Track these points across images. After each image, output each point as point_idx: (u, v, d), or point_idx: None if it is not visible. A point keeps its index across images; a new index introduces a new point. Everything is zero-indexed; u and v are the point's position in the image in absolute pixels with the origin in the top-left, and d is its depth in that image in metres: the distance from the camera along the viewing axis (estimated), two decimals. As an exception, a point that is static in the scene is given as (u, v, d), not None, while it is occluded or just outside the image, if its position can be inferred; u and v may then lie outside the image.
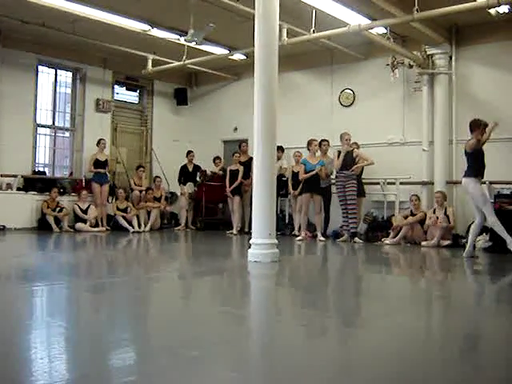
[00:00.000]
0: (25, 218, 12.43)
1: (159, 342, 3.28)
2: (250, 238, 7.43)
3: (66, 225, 12.41)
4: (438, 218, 10.17)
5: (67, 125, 14.27)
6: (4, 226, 11.98)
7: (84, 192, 12.83)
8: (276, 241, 7.38)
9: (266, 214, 7.32)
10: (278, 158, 11.52)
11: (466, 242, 8.87)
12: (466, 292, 5.84)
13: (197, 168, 14.12)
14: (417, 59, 11.31)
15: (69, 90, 14.38)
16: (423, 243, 10.22)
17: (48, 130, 13.88)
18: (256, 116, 7.43)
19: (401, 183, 11.52)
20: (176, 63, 13.17)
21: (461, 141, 11.15)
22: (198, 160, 14.24)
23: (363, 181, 11.63)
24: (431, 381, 2.68)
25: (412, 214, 10.65)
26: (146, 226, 13.16)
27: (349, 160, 10.92)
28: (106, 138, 13.80)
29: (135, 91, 15.63)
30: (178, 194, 14.29)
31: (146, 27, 11.50)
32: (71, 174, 14.00)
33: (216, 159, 14.10)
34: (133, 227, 12.88)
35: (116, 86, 15.01)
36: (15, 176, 12.50)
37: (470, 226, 10.21)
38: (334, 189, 11.72)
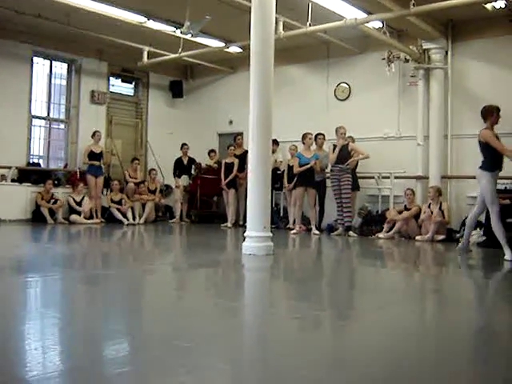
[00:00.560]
0: (19, 210, 12.41)
1: (153, 334, 3.29)
2: (245, 231, 7.44)
3: (61, 217, 12.39)
4: (432, 212, 10.19)
5: (62, 116, 14.24)
6: (-2, 218, 11.97)
7: (79, 184, 12.81)
8: (270, 234, 7.38)
9: (260, 207, 7.32)
10: (273, 152, 11.51)
11: (461, 237, 8.88)
12: (460, 286, 5.86)
13: (192, 161, 14.11)
14: (413, 54, 11.31)
15: (64, 82, 14.32)
16: (417, 237, 10.24)
17: (43, 122, 13.84)
18: (251, 109, 7.41)
19: (395, 177, 11.53)
20: (172, 55, 13.14)
21: (456, 136, 11.22)
22: (193, 153, 14.23)
23: (358, 175, 11.65)
24: (425, 374, 2.69)
25: (406, 209, 10.67)
26: (140, 218, 13.16)
27: (344, 154, 10.93)
28: (100, 129, 13.76)
29: (130, 83, 15.58)
30: (173, 186, 14.27)
31: (141, 19, 11.48)
32: (66, 165, 13.97)
33: (211, 152, 14.10)
34: (127, 219, 12.87)
35: (111, 78, 14.96)
36: (10, 167, 12.48)
37: (464, 221, 10.30)
38: (328, 183, 11.73)
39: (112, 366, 2.68)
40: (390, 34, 10.90)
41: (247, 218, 7.53)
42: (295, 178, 11.56)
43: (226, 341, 3.20)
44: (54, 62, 13.89)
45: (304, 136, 11.58)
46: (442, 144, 11.32)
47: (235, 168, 12.91)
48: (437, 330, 3.71)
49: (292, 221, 11.93)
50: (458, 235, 10.05)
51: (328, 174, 11.71)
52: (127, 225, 12.63)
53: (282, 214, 12.96)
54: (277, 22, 10.11)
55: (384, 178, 11.74)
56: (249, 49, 7.63)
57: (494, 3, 9.53)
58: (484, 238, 9.31)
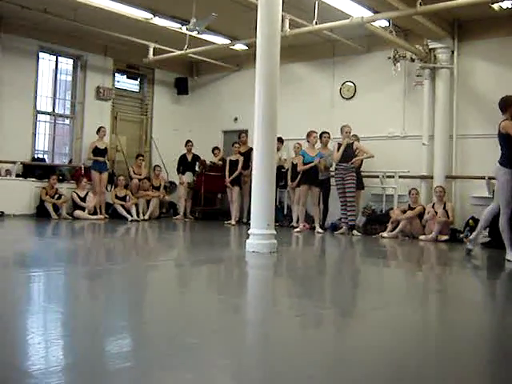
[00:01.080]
0: (23, 205, 12.43)
1: (156, 330, 3.29)
2: (249, 229, 7.44)
3: (65, 212, 12.41)
4: (436, 212, 10.18)
5: (67, 112, 14.25)
6: (2, 213, 11.98)
7: (83, 180, 12.82)
8: (274, 231, 7.39)
9: (264, 205, 7.32)
10: (278, 150, 11.49)
11: (465, 237, 8.86)
12: (463, 286, 5.85)
13: (196, 158, 14.12)
14: (419, 53, 11.29)
15: (69, 77, 14.34)
16: (421, 237, 10.23)
17: (48, 117, 13.86)
18: (257, 107, 7.41)
19: (400, 177, 11.52)
20: (177, 52, 13.14)
21: (461, 136, 11.19)
22: (198, 150, 14.23)
23: (362, 174, 11.63)
24: (428, 373, 2.69)
25: (410, 208, 10.66)
26: (144, 214, 13.17)
27: (349, 153, 10.92)
28: (105, 125, 13.77)
29: (136, 79, 15.59)
30: (177, 183, 14.28)
31: (148, 15, 11.48)
32: (70, 161, 14.00)
33: (215, 149, 14.11)
34: (131, 216, 12.88)
35: (117, 74, 14.98)
36: (14, 162, 12.50)
37: (468, 221, 10.29)
38: (333, 181, 11.72)
39: (115, 361, 2.68)
40: (397, 33, 10.87)
41: (251, 216, 7.53)
42: (299, 176, 11.56)
43: (229, 338, 3.20)
44: (59, 58, 13.90)
45: (309, 134, 11.57)
46: (446, 144, 11.29)
47: (240, 165, 12.91)
48: (440, 330, 3.71)
49: (296, 219, 11.92)
50: (461, 235, 10.04)
51: (332, 173, 11.70)
52: (131, 221, 12.63)
53: (285, 212, 12.96)
54: (283, 20, 10.08)
55: (388, 177, 11.72)
56: (254, 46, 7.63)
57: (500, 3, 9.50)
58: (489, 238, 9.28)
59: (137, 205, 13.17)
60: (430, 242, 9.96)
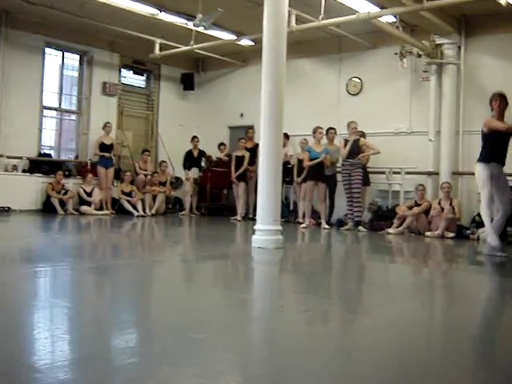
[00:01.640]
0: (30, 200, 12.46)
1: (162, 325, 3.30)
2: (255, 224, 7.44)
3: (71, 207, 12.44)
4: (443, 209, 10.15)
5: (73, 107, 14.28)
6: (9, 208, 12.01)
7: (89, 175, 12.85)
8: (280, 227, 7.38)
9: (270, 201, 7.32)
10: (284, 145, 11.48)
11: (472, 233, 8.83)
12: (469, 282, 5.84)
13: (202, 153, 14.12)
14: (425, 49, 11.25)
15: (75, 73, 14.36)
16: (427, 233, 10.21)
17: (54, 113, 13.88)
18: (263, 102, 7.40)
19: (406, 173, 11.50)
20: (183, 48, 13.12)
21: (467, 132, 11.14)
22: (204, 146, 14.23)
23: (368, 170, 11.61)
24: (435, 370, 2.69)
25: (417, 204, 10.63)
26: (150, 210, 13.19)
27: (355, 149, 10.91)
28: (111, 121, 13.79)
29: (142, 75, 15.60)
30: (183, 179, 14.29)
31: (154, 11, 11.47)
32: (77, 156, 14.02)
33: (221, 145, 14.10)
34: (137, 211, 12.90)
35: (123, 70, 14.98)
36: (21, 158, 12.53)
37: (474, 218, 10.26)
38: (339, 177, 11.71)
39: (122, 355, 2.69)
40: (403, 29, 10.84)
41: (257, 211, 7.53)
42: (305, 172, 11.55)
43: (235, 333, 3.21)
44: (65, 53, 13.91)
45: (315, 130, 11.56)
46: (453, 140, 11.26)
47: (246, 161, 12.91)
48: (446, 326, 3.70)
49: (302, 215, 11.91)
50: (468, 232, 10.02)
51: (339, 169, 11.68)
52: (137, 216, 12.65)
53: (291, 208, 12.96)
54: (289, 16, 10.05)
55: (395, 173, 11.70)
56: (261, 42, 7.62)
57: (508, -2, 9.45)
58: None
59: (143, 200, 13.19)
60: (436, 238, 9.94)
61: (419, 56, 11.35)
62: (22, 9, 11.70)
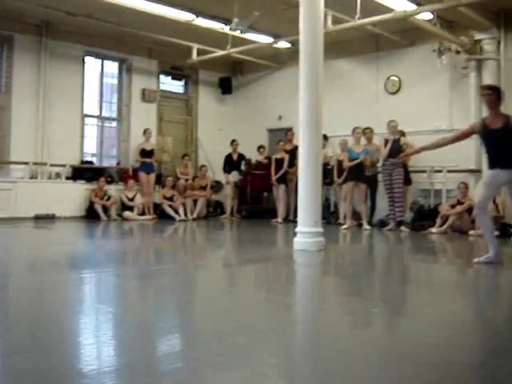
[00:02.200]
0: (74, 207, 12.66)
1: (207, 329, 3.32)
2: (295, 227, 7.43)
3: (114, 213, 12.60)
4: (486, 206, 9.97)
5: (114, 115, 14.47)
6: (54, 215, 12.24)
7: (131, 181, 13.00)
8: (321, 229, 7.36)
9: (311, 203, 7.30)
10: (323, 147, 11.47)
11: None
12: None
13: (241, 157, 14.16)
14: (464, 45, 11.08)
15: (115, 81, 14.57)
16: (471, 232, 10.05)
17: (95, 120, 14.08)
18: (301, 104, 7.40)
19: (448, 171, 11.35)
20: (220, 52, 13.19)
21: (510, 127, 10.92)
22: (243, 149, 14.27)
23: (410, 169, 11.49)
24: (481, 373, 2.65)
25: (459, 203, 10.48)
26: (191, 214, 13.27)
27: (395, 148, 10.81)
28: (151, 127, 13.94)
29: (180, 81, 15.73)
30: (223, 182, 14.35)
31: (190, 17, 11.55)
32: (118, 163, 14.20)
33: (260, 148, 14.10)
34: (179, 215, 13.00)
35: (161, 76, 15.12)
36: (64, 165, 12.75)
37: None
38: (380, 177, 11.61)
39: (167, 361, 2.72)
40: (441, 26, 10.70)
41: (298, 214, 7.52)
42: (345, 173, 11.50)
43: (279, 337, 3.21)
44: (105, 61, 14.12)
45: (353, 131, 11.52)
46: (495, 136, 11.06)
47: (285, 163, 12.89)
48: (492, 328, 3.65)
49: (343, 216, 11.86)
50: (512, 230, 9.86)
51: (379, 169, 11.59)
52: (179, 221, 12.75)
53: (332, 210, 12.90)
54: (325, 16, 10.01)
55: (436, 171, 11.55)
56: (297, 44, 7.62)
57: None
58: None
59: (184, 204, 13.28)
60: (479, 237, 9.77)
61: (458, 52, 11.20)
62: (61, 20, 11.92)
